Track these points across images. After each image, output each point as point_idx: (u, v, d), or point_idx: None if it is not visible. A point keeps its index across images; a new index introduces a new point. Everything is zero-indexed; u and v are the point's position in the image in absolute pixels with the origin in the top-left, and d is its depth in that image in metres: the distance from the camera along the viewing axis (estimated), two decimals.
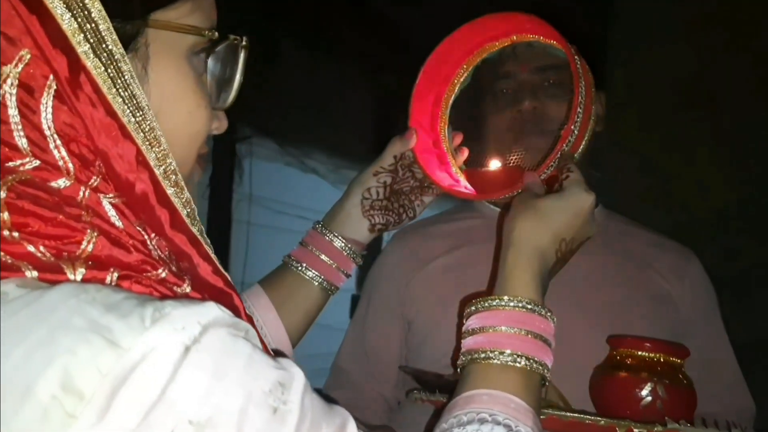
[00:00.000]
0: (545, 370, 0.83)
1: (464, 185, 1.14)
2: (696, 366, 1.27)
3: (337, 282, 1.11)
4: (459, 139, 1.18)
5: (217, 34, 0.70)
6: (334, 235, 1.10)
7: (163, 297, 0.56)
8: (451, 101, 1.18)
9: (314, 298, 1.10)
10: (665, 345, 1.10)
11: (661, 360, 1.08)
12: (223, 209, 4.93)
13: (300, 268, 1.09)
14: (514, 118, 1.24)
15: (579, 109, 0.99)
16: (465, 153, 1.18)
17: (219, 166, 4.90)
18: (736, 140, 2.67)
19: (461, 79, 1.17)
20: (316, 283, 1.09)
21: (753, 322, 1.38)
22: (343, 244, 1.10)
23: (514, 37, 1.14)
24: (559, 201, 0.92)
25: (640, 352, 1.09)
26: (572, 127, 0.99)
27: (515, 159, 1.18)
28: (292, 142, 5.42)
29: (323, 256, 1.09)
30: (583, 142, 1.03)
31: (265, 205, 5.87)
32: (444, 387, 1.02)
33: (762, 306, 2.45)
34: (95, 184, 0.59)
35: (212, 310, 0.52)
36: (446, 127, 1.18)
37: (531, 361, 0.81)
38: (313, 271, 1.09)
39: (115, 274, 0.56)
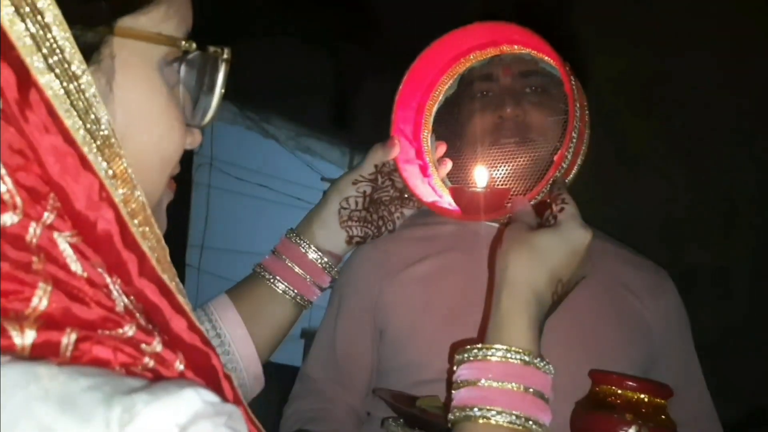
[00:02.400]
0: (543, 430, 0.79)
1: (448, 201, 1.10)
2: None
3: (311, 296, 1.06)
4: (442, 149, 1.13)
5: (195, 45, 0.61)
6: (308, 245, 1.05)
7: (123, 365, 0.48)
8: (435, 109, 1.13)
9: (286, 313, 1.04)
10: (649, 384, 1.06)
11: (646, 400, 1.05)
12: (183, 172, 4.84)
13: (271, 279, 1.03)
14: (494, 123, 1.19)
15: (573, 134, 0.94)
16: (448, 164, 1.13)
17: None
18: (683, 146, 2.68)
19: (446, 87, 1.12)
20: (288, 297, 1.03)
21: (696, 326, 1.38)
22: (317, 256, 1.05)
23: (504, 47, 1.09)
24: (555, 238, 0.86)
25: (623, 391, 1.05)
26: (566, 152, 0.94)
27: (505, 174, 1.13)
28: (251, 106, 5.31)
29: (296, 268, 1.04)
30: (575, 168, 0.99)
31: (226, 170, 5.78)
32: (422, 423, 0.98)
33: (706, 309, 2.47)
34: (49, 221, 0.49)
35: (191, 404, 0.45)
36: (430, 136, 1.13)
37: (528, 421, 0.77)
38: (285, 283, 1.03)
39: (73, 335, 0.46)
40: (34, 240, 0.48)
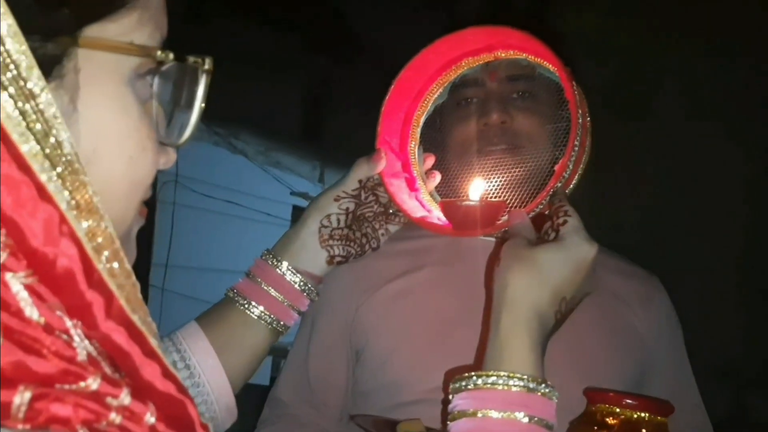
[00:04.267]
0: None
1: (437, 216, 1.03)
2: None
3: (288, 320, 0.99)
4: (431, 161, 1.07)
5: (172, 55, 0.54)
6: (286, 267, 0.97)
7: (86, 423, 0.42)
8: (422, 120, 1.07)
9: (261, 339, 0.97)
10: (649, 402, 1.01)
11: (646, 419, 0.99)
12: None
13: (245, 305, 0.96)
14: (480, 130, 1.13)
15: (576, 142, 0.88)
16: (436, 177, 1.07)
17: None
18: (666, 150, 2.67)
19: (435, 96, 1.05)
20: (264, 323, 0.96)
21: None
22: (296, 278, 0.98)
23: (500, 53, 1.02)
24: (558, 253, 0.81)
25: (621, 410, 1.00)
26: (568, 162, 0.88)
27: (500, 185, 1.07)
28: (219, 122, 5.25)
29: (272, 291, 0.97)
30: (576, 178, 0.93)
31: (191, 186, 5.71)
32: None
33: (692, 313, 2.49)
34: (2, 258, 0.44)
35: None
36: (417, 147, 1.07)
37: None
38: (260, 308, 0.96)
39: (27, 394, 0.40)
40: None
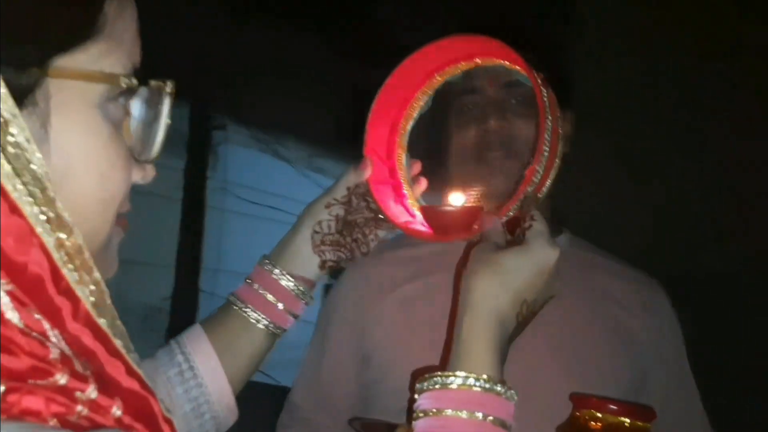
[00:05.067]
0: None
1: (421, 222, 1.06)
2: (659, 405, 1.21)
3: (284, 324, 1.03)
4: (417, 168, 1.10)
5: (135, 80, 0.59)
6: (281, 272, 1.02)
7: (56, 415, 0.47)
8: (409, 127, 1.10)
9: (259, 343, 1.02)
10: (631, 407, 1.04)
11: (627, 424, 1.01)
12: (197, 197, 4.90)
13: (244, 309, 1.01)
14: (479, 136, 1.17)
15: (545, 147, 0.91)
16: (423, 183, 1.10)
17: (194, 153, 4.85)
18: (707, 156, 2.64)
19: (420, 104, 1.09)
20: (261, 326, 1.01)
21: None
22: (291, 284, 1.02)
23: (478, 60, 1.06)
24: (520, 257, 0.84)
25: (603, 415, 1.02)
26: (537, 167, 0.91)
27: (478, 191, 1.10)
28: (265, 130, 5.36)
29: (269, 296, 1.01)
30: (548, 182, 0.95)
31: (239, 193, 5.83)
32: None
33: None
34: None
35: None
36: (404, 154, 1.11)
37: None
38: (258, 313, 1.01)
39: (1, 388, 0.45)
40: None
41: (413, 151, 1.11)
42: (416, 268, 1.25)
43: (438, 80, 1.08)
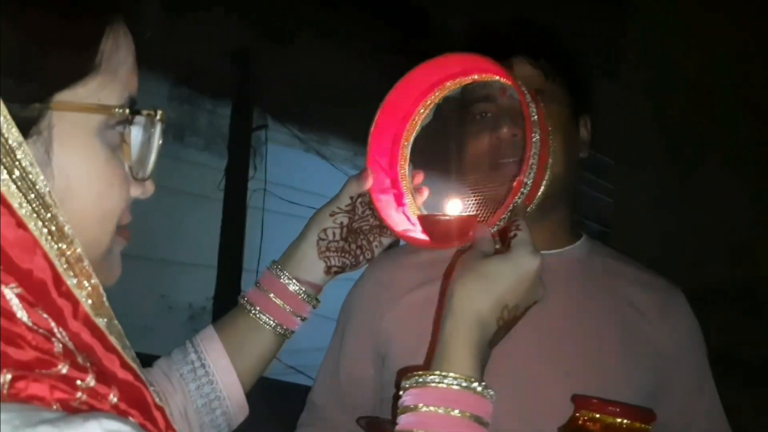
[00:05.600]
0: None
1: (420, 230, 1.11)
2: (677, 418, 1.24)
3: (292, 326, 1.09)
4: (420, 178, 1.15)
5: (128, 111, 0.67)
6: (288, 277, 1.08)
7: (59, 400, 0.54)
8: (411, 139, 1.15)
9: (267, 343, 1.08)
10: (630, 409, 1.06)
11: (625, 426, 1.04)
12: (238, 197, 4.96)
13: (254, 311, 1.07)
14: (492, 144, 1.20)
15: (532, 161, 0.95)
16: (425, 192, 1.15)
17: (235, 153, 4.93)
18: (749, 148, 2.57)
19: (422, 118, 1.13)
20: (269, 328, 1.07)
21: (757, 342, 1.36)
22: (297, 288, 1.08)
23: (475, 76, 1.10)
24: (501, 264, 0.88)
25: (601, 416, 1.05)
26: (524, 179, 0.95)
27: (483, 197, 1.14)
28: (309, 129, 5.42)
29: (277, 300, 1.07)
30: (539, 193, 0.99)
31: (280, 193, 5.89)
32: None
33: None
34: None
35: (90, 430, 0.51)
36: (406, 165, 1.15)
37: None
38: (267, 315, 1.07)
39: (9, 375, 0.53)
40: None
41: (423, 161, 1.16)
42: (430, 272, 1.28)
43: (438, 95, 1.13)
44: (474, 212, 1.09)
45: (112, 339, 0.64)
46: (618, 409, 1.05)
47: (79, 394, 0.55)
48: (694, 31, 2.68)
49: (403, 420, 0.82)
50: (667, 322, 1.26)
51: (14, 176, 0.57)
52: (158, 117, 0.70)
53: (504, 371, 1.14)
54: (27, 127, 0.60)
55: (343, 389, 1.36)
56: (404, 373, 0.85)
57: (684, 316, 1.30)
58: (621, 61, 2.89)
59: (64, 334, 0.59)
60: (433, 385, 0.81)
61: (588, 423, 1.06)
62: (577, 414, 1.08)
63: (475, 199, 1.12)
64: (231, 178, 4.96)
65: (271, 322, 1.06)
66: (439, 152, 1.22)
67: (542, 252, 1.21)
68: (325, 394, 1.39)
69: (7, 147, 0.57)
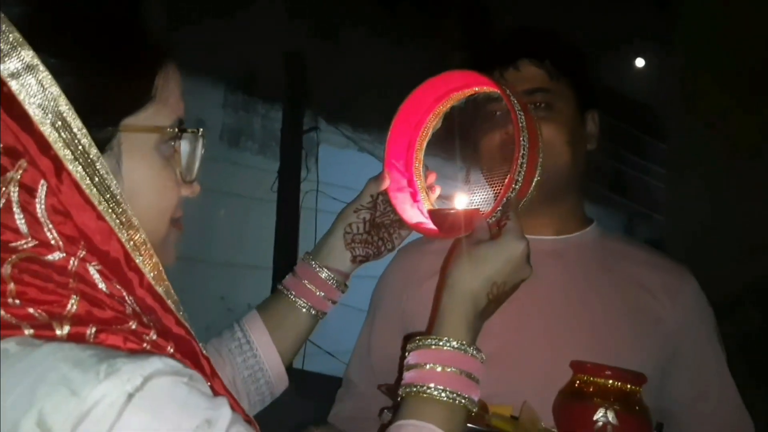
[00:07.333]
0: (470, 403, 0.97)
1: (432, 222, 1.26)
2: (688, 390, 1.34)
3: (324, 309, 1.26)
4: (432, 177, 1.30)
5: (177, 130, 0.86)
6: (320, 266, 1.25)
7: (130, 349, 0.72)
8: (425, 144, 1.30)
9: (303, 323, 1.26)
10: (620, 372, 1.17)
11: (616, 387, 1.16)
12: (292, 198, 5.02)
13: (291, 296, 1.25)
14: (503, 140, 1.32)
15: (521, 160, 1.09)
16: (436, 191, 1.31)
17: (287, 155, 5.00)
18: None
19: (433, 125, 1.29)
20: (304, 310, 1.24)
21: None
22: (328, 275, 1.25)
23: (476, 89, 1.24)
24: (492, 248, 1.04)
25: (595, 378, 1.17)
26: (514, 176, 1.09)
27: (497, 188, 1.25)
28: (361, 129, 5.51)
29: (311, 286, 1.24)
30: (531, 188, 1.13)
31: (333, 193, 5.98)
32: None
33: None
34: (82, 255, 0.76)
35: (154, 364, 0.68)
36: (420, 166, 1.30)
37: (456, 395, 0.95)
38: (302, 299, 1.24)
39: (94, 329, 0.71)
40: (73, 269, 0.74)
41: (441, 160, 1.31)
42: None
43: (447, 104, 1.28)
44: (478, 205, 1.23)
45: (170, 303, 0.82)
46: (609, 372, 1.17)
47: (144, 345, 0.74)
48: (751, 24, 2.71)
49: (407, 375, 1.00)
50: (676, 300, 1.34)
51: (95, 182, 0.77)
52: (200, 133, 0.89)
53: (518, 350, 1.29)
54: (102, 144, 0.79)
55: (374, 367, 1.50)
56: (409, 338, 1.01)
57: (693, 294, 1.38)
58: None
59: (132, 299, 0.78)
60: (433, 347, 0.98)
61: (583, 386, 1.19)
62: (574, 377, 1.21)
63: (491, 188, 1.25)
64: (284, 179, 5.03)
65: (306, 305, 1.24)
66: (456, 148, 1.35)
67: (553, 237, 1.36)
68: (358, 372, 1.54)
69: (89, 160, 0.76)
